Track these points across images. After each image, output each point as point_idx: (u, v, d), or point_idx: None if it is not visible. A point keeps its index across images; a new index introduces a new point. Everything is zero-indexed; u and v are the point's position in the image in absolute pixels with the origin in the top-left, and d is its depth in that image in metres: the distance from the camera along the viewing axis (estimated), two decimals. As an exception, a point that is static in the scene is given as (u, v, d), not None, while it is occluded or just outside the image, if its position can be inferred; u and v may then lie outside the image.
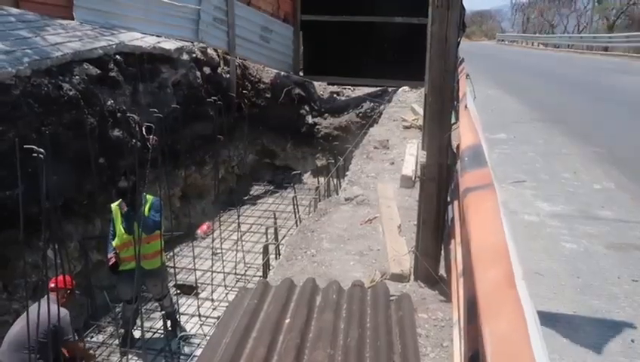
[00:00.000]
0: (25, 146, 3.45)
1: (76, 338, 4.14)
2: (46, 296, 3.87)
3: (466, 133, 1.23)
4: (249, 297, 2.76)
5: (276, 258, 4.40)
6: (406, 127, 6.78)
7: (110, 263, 5.03)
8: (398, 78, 9.88)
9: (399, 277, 3.02)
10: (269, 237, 5.21)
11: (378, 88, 10.80)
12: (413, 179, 4.13)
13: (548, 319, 2.64)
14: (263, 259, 4.34)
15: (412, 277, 3.02)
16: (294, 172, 9.79)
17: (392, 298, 2.80)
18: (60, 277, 4.21)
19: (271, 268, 4.39)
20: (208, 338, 5.39)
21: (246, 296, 2.81)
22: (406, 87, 9.87)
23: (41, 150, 3.54)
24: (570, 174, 4.97)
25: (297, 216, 6.44)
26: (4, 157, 4.88)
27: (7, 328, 4.93)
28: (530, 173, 5.00)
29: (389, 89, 10.70)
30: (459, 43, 2.50)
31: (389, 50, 9.72)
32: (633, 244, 3.48)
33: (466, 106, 1.37)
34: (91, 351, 4.78)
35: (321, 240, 3.61)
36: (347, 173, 5.71)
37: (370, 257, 3.35)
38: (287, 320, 2.54)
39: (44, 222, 3.80)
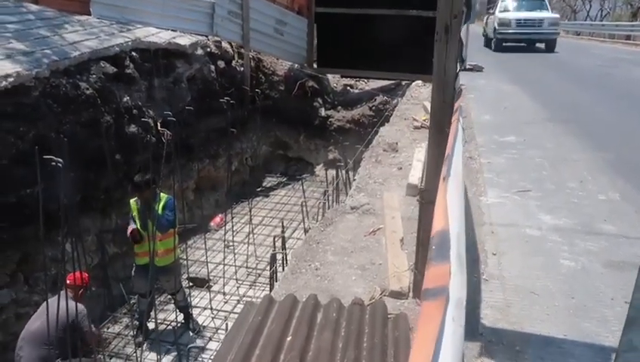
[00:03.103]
0: (44, 157, 3.60)
1: (92, 328, 4.35)
2: (62, 292, 4.03)
3: (438, 213, 1.31)
4: (254, 313, 2.91)
5: (283, 264, 4.55)
6: (416, 128, 6.83)
7: (130, 232, 5.16)
8: (412, 71, 9.81)
9: (398, 294, 3.15)
10: (276, 246, 5.36)
11: (391, 82, 10.81)
12: (419, 187, 4.22)
13: (538, 343, 2.75)
14: (270, 268, 4.49)
15: (411, 294, 3.15)
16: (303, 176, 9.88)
17: (390, 316, 2.93)
18: (77, 274, 4.35)
19: (278, 271, 4.55)
20: (220, 331, 5.65)
21: (251, 311, 2.96)
22: (419, 82, 9.86)
23: (60, 159, 3.69)
24: (577, 183, 5.00)
25: (305, 218, 6.57)
26: (25, 156, 5.08)
27: (28, 320, 5.23)
28: (537, 182, 5.04)
29: (403, 82, 10.70)
30: (457, 75, 2.58)
31: (403, 43, 9.67)
32: (631, 263, 3.53)
33: (444, 178, 1.41)
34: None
35: (326, 252, 3.74)
36: (355, 177, 5.81)
37: (371, 272, 3.48)
38: (289, 338, 2.68)
39: (62, 218, 3.96)
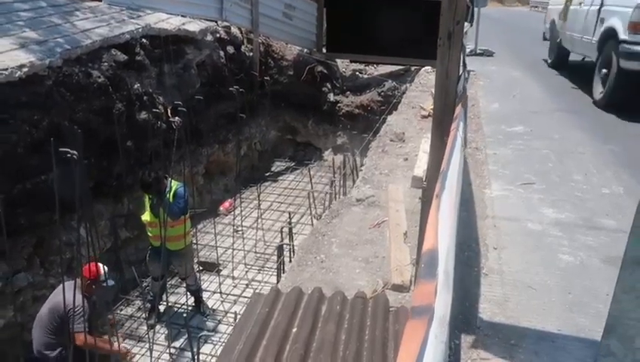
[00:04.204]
0: (60, 149, 3.72)
1: (86, 329, 4.10)
2: (68, 283, 4.07)
3: (429, 232, 1.40)
4: (261, 304, 3.05)
5: (290, 255, 4.69)
6: (424, 117, 6.86)
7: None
8: (421, 57, 9.78)
9: (400, 288, 3.27)
10: (283, 237, 5.49)
11: (400, 67, 10.78)
12: (423, 179, 4.30)
13: (533, 337, 2.86)
14: (278, 260, 4.63)
15: (412, 288, 3.27)
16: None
17: (391, 309, 3.06)
18: (91, 266, 4.38)
19: (285, 262, 4.68)
20: (229, 315, 5.84)
21: (259, 302, 3.10)
22: (429, 68, 9.83)
23: (74, 152, 3.81)
24: (582, 176, 5.05)
25: (313, 207, 6.68)
26: (40, 144, 5.23)
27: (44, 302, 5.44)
28: (542, 174, 5.09)
29: (412, 68, 10.68)
30: (459, 79, 2.64)
31: (413, 28, 9.61)
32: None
33: (437, 195, 1.47)
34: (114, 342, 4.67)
35: (331, 245, 3.87)
36: (363, 163, 5.89)
37: (375, 265, 3.60)
38: (294, 330, 2.82)
39: (77, 204, 4.08)
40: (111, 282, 4.65)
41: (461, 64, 2.65)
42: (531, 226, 4.10)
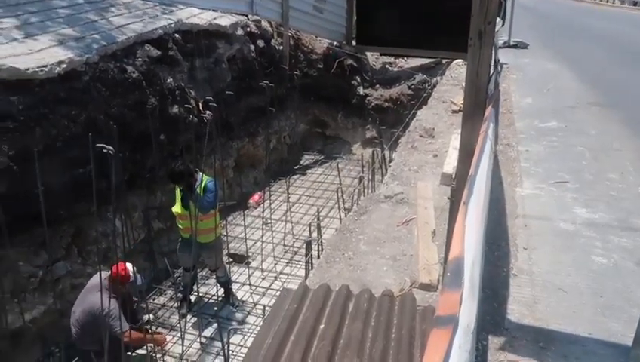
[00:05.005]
0: (97, 145, 3.85)
1: (124, 328, 4.20)
2: (102, 282, 4.06)
3: (455, 240, 1.41)
4: (290, 299, 3.11)
5: (318, 250, 4.74)
6: (454, 111, 6.78)
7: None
8: (453, 49, 9.63)
9: (427, 287, 3.27)
10: (311, 233, 5.54)
11: (431, 60, 10.65)
12: (453, 177, 4.27)
13: (563, 340, 2.83)
14: (306, 256, 4.68)
15: (440, 287, 3.26)
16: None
17: (418, 308, 3.07)
18: (120, 267, 4.30)
19: (313, 257, 4.73)
20: (257, 307, 5.94)
21: (287, 298, 3.16)
22: (460, 61, 9.68)
23: (111, 147, 3.94)
24: (617, 175, 4.92)
25: (341, 201, 6.71)
26: (77, 138, 5.40)
27: (82, 289, 5.65)
28: (575, 172, 4.98)
29: (443, 61, 10.53)
30: (490, 79, 2.61)
31: (444, 20, 9.46)
32: (666, 262, 3.52)
33: (464, 203, 1.47)
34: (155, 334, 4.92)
35: (359, 242, 3.89)
36: (392, 158, 5.87)
37: (402, 263, 3.61)
38: (322, 326, 2.87)
39: (113, 197, 4.21)
40: (141, 280, 4.68)
41: (492, 63, 2.61)
42: (563, 226, 4.02)
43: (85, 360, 4.55)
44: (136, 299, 5.11)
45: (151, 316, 5.44)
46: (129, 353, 4.55)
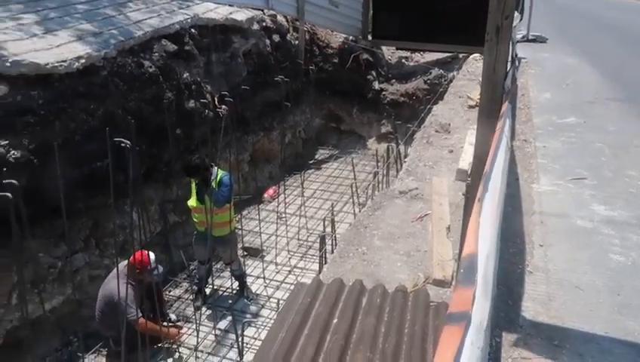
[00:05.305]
0: (115, 139, 3.91)
1: (139, 315, 4.40)
2: (121, 270, 4.24)
3: (469, 236, 1.41)
4: (304, 293, 3.13)
5: (332, 245, 4.75)
6: (471, 107, 6.72)
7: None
8: (470, 44, 9.51)
9: (441, 283, 3.26)
10: (325, 228, 5.55)
11: (448, 54, 10.55)
12: (469, 173, 4.24)
13: (578, 338, 2.80)
14: (320, 251, 4.69)
15: (454, 283, 3.25)
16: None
17: (431, 304, 3.06)
18: (137, 255, 4.43)
19: (327, 252, 4.74)
20: (272, 300, 5.98)
21: (301, 292, 3.18)
22: (477, 55, 9.57)
23: (127, 141, 3.99)
24: (637, 172, 4.83)
25: (355, 196, 6.70)
26: (95, 132, 5.48)
27: (100, 281, 5.76)
28: (594, 169, 4.91)
29: (460, 55, 10.42)
30: (507, 75, 2.58)
31: (461, 13, 9.35)
32: (686, 261, 3.46)
33: (479, 200, 1.46)
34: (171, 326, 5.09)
35: (373, 237, 3.89)
36: (405, 159, 5.86)
37: (416, 259, 3.60)
38: (335, 321, 2.88)
39: (130, 190, 4.28)
40: (160, 269, 4.82)
41: (509, 59, 2.59)
42: (580, 223, 3.97)
43: (107, 347, 4.69)
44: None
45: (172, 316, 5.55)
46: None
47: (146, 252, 4.61)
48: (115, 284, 4.12)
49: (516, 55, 4.81)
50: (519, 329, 2.89)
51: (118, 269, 4.25)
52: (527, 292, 3.19)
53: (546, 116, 6.44)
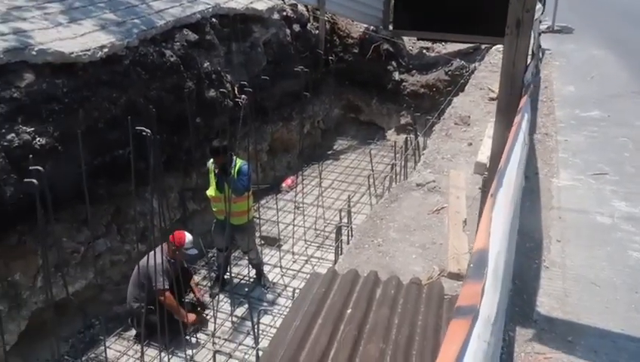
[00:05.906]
0: (136, 128, 3.98)
1: (166, 286, 4.82)
2: (160, 247, 4.69)
3: (481, 231, 1.42)
4: (319, 283, 3.17)
5: (348, 236, 4.77)
6: (492, 99, 6.63)
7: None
8: (493, 34, 9.34)
9: (456, 276, 3.27)
10: (343, 215, 5.59)
11: (470, 45, 10.39)
12: (487, 166, 4.22)
13: (593, 335, 2.79)
14: (336, 242, 4.73)
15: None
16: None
17: (446, 296, 3.07)
18: (175, 233, 5.14)
19: (343, 242, 4.78)
20: (288, 289, 6.05)
21: (317, 281, 3.21)
22: (500, 46, 9.41)
23: (148, 130, 4.06)
24: (661, 167, 4.74)
25: (372, 188, 6.70)
26: (117, 120, 5.58)
27: (121, 266, 5.92)
28: (616, 164, 4.83)
29: (482, 46, 10.27)
30: (527, 68, 2.56)
31: (484, 4, 9.19)
32: None
33: (492, 195, 1.46)
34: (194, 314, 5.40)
35: (389, 229, 3.90)
36: (424, 151, 5.83)
37: (432, 251, 3.61)
38: (349, 311, 2.92)
39: (151, 178, 4.38)
40: (194, 251, 5.28)
41: (530, 52, 2.56)
42: (600, 219, 3.93)
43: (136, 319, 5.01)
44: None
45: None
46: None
47: (186, 232, 5.18)
48: (151, 257, 4.48)
49: (540, 46, 4.72)
50: (533, 324, 2.89)
51: (161, 247, 4.70)
52: (542, 287, 3.18)
53: (569, 109, 6.33)
